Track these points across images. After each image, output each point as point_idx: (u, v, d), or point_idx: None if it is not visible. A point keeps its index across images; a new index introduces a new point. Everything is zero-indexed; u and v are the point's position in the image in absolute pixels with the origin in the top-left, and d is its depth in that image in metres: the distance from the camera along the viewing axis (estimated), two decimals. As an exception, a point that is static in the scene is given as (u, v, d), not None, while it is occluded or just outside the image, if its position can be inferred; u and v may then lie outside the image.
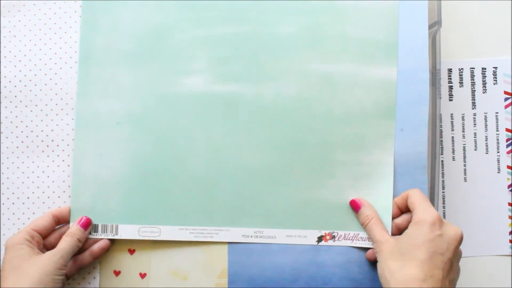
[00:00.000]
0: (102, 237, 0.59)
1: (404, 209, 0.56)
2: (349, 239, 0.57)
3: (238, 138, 0.58)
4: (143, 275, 0.59)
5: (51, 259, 0.53)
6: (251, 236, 0.58)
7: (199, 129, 0.58)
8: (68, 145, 0.60)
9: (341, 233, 0.58)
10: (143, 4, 0.59)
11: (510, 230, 0.62)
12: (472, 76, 0.63)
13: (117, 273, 0.60)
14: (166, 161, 0.58)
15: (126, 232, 0.59)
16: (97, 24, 0.60)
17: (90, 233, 0.58)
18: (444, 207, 0.63)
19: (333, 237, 0.58)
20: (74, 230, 0.57)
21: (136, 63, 0.59)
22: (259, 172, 0.58)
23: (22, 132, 0.61)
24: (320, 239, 0.58)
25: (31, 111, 0.61)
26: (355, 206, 0.57)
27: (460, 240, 0.51)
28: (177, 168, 0.58)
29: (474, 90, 0.63)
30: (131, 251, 0.60)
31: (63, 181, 0.60)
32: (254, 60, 0.58)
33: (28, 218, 0.61)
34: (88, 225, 0.58)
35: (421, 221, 0.51)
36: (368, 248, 0.57)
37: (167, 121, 0.59)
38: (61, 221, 0.58)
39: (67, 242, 0.55)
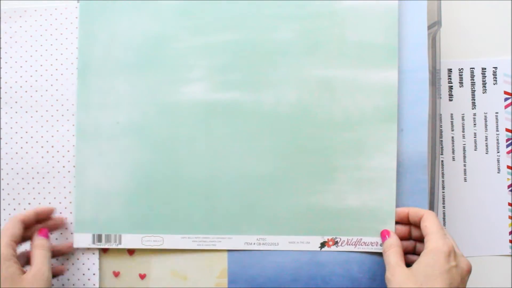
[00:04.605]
0: (105, 247, 0.59)
1: (410, 222, 0.56)
2: (352, 244, 0.58)
3: (239, 145, 0.58)
4: (142, 276, 0.60)
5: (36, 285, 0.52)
6: (254, 244, 0.58)
7: (199, 137, 0.58)
8: (68, 151, 0.61)
9: (344, 238, 0.58)
10: (140, 14, 0.59)
11: (510, 230, 0.62)
12: (472, 76, 0.63)
13: (116, 274, 0.61)
14: (167, 169, 0.59)
15: (129, 241, 0.59)
16: (95, 35, 0.60)
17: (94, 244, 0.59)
18: (444, 207, 0.63)
19: (336, 243, 0.58)
20: (42, 241, 0.56)
21: (135, 73, 0.59)
22: (261, 179, 0.58)
23: (21, 138, 0.61)
24: (323, 245, 0.58)
25: (31, 117, 0.61)
26: (382, 237, 0.57)
27: (470, 273, 0.51)
28: (179, 176, 0.59)
29: (474, 90, 0.63)
30: (131, 252, 0.60)
31: (64, 187, 0.61)
32: (253, 67, 0.58)
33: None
34: (47, 233, 0.57)
35: (437, 250, 0.50)
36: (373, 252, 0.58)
37: (167, 129, 0.59)
38: (28, 225, 0.56)
39: (42, 257, 0.54)
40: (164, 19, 0.59)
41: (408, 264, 0.54)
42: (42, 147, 0.61)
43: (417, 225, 0.55)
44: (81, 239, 0.60)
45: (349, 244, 0.58)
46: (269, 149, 0.58)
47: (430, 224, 0.53)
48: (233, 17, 0.58)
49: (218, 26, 0.59)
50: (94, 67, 0.60)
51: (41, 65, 0.62)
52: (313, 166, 0.58)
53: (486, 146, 0.63)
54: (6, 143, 0.61)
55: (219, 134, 0.58)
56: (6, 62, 0.62)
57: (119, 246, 0.59)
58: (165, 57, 0.59)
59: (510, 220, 0.62)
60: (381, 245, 0.57)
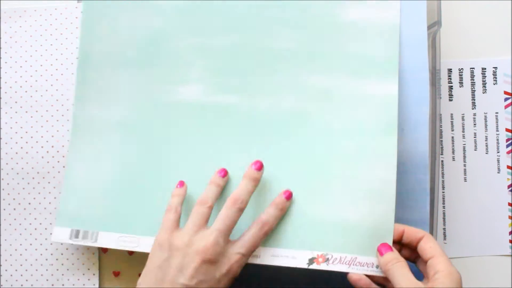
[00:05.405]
0: (81, 243, 0.58)
1: (401, 241, 0.53)
2: (345, 263, 0.52)
3: (232, 150, 0.56)
4: (143, 276, 0.60)
5: None
6: None
7: (191, 139, 0.57)
8: (68, 151, 0.61)
9: (336, 255, 0.52)
10: (142, 11, 0.59)
11: (510, 230, 0.62)
12: (472, 76, 0.63)
13: (116, 274, 0.61)
14: (155, 170, 0.57)
15: (105, 240, 0.57)
16: (96, 29, 0.60)
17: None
18: (444, 207, 0.63)
19: (326, 260, 0.52)
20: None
21: (133, 70, 0.59)
22: None
23: (21, 138, 0.61)
24: (311, 261, 0.53)
25: (31, 117, 0.61)
26: (379, 251, 0.51)
27: None
28: (165, 177, 0.57)
29: (474, 90, 0.63)
30: (130, 252, 0.61)
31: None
32: (251, 72, 0.57)
33: (30, 224, 0.61)
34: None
35: (454, 275, 0.49)
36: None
37: (160, 129, 0.58)
38: None
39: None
40: (166, 17, 0.59)
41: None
42: (42, 147, 0.61)
43: (411, 245, 0.52)
44: (60, 233, 0.58)
45: (342, 263, 0.52)
46: (261, 156, 0.55)
47: (435, 245, 0.50)
48: (235, 20, 0.58)
49: (219, 27, 0.58)
50: (94, 62, 0.60)
51: (41, 65, 0.62)
52: (307, 175, 0.55)
53: (486, 146, 0.63)
54: (6, 143, 0.62)
55: (213, 137, 0.57)
56: (6, 62, 0.62)
57: (95, 244, 0.57)
58: (164, 55, 0.59)
59: (510, 220, 0.62)
60: (377, 266, 0.51)
